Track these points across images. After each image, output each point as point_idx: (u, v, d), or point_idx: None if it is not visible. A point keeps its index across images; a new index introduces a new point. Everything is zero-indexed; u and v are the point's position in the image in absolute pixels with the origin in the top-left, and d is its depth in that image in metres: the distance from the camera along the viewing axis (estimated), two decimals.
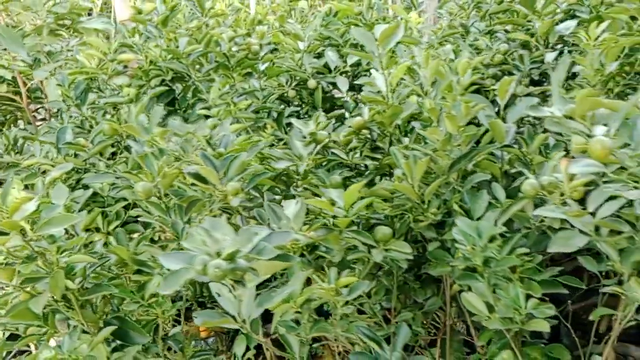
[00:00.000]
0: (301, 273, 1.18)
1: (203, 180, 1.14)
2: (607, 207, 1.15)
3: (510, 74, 2.05)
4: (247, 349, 1.39)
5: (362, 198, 1.33)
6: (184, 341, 1.36)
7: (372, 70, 1.57)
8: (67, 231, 1.45)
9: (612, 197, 1.14)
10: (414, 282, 1.50)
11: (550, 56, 1.80)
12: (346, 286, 1.19)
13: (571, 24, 1.82)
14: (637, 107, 1.06)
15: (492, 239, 1.26)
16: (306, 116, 2.29)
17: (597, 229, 1.21)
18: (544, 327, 1.22)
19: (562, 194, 1.14)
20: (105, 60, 1.98)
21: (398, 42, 2.12)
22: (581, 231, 1.18)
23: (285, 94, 2.27)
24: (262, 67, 2.18)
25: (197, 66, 2.09)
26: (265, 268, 0.90)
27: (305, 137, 1.47)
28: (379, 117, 1.56)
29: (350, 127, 1.61)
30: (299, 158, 1.43)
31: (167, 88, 2.05)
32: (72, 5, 2.50)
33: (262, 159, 1.58)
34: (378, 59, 1.41)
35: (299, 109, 2.27)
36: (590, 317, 1.41)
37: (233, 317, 1.01)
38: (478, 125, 1.51)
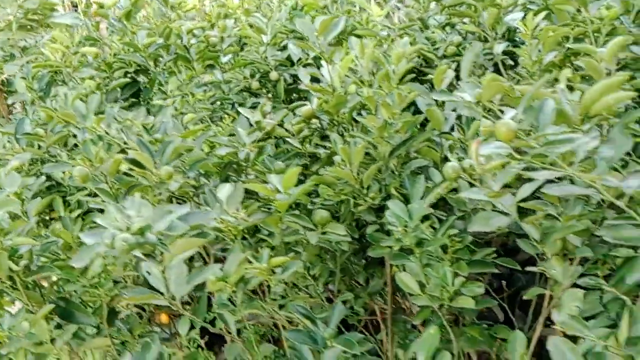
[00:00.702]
0: (239, 254, 1.24)
1: (140, 165, 1.20)
2: (527, 188, 1.21)
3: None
4: (193, 327, 1.44)
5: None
6: (133, 322, 1.41)
7: (322, 62, 1.63)
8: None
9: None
10: (358, 265, 1.56)
11: (499, 47, 1.85)
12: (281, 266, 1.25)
13: (518, 15, 1.87)
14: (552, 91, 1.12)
15: (423, 220, 1.32)
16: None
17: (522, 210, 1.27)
18: (470, 304, 1.27)
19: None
20: (68, 53, 2.02)
21: (356, 35, 2.18)
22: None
23: (250, 86, 2.32)
24: (224, 59, 2.22)
25: (160, 58, 2.14)
26: (182, 245, 0.95)
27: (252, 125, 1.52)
28: (326, 106, 1.61)
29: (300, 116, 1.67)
30: (243, 145, 1.48)
31: (129, 80, 2.10)
32: (42, 0, 2.55)
33: (212, 147, 1.63)
34: (319, 49, 1.45)
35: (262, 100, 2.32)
36: (525, 297, 1.46)
37: (162, 294, 1.06)
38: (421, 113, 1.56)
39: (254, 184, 1.32)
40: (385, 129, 1.41)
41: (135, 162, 1.19)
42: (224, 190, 1.21)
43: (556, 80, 1.79)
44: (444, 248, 1.36)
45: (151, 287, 1.14)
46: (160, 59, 2.12)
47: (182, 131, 1.48)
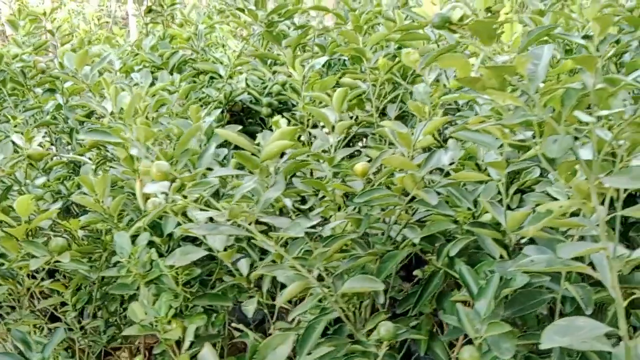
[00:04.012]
0: None
1: None
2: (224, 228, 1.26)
3: (292, 103, 2.19)
4: None
5: None
6: None
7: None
8: None
9: None
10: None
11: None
12: None
13: (322, 60, 1.95)
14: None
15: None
16: None
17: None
18: (175, 336, 1.31)
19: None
20: None
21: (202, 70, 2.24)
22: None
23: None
24: (66, 84, 2.27)
25: None
26: None
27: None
28: None
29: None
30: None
31: None
32: None
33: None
34: (81, 81, 1.52)
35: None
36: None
37: None
38: None
39: None
40: (132, 161, 1.46)
41: None
42: None
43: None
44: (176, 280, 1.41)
45: None
46: None
47: None
